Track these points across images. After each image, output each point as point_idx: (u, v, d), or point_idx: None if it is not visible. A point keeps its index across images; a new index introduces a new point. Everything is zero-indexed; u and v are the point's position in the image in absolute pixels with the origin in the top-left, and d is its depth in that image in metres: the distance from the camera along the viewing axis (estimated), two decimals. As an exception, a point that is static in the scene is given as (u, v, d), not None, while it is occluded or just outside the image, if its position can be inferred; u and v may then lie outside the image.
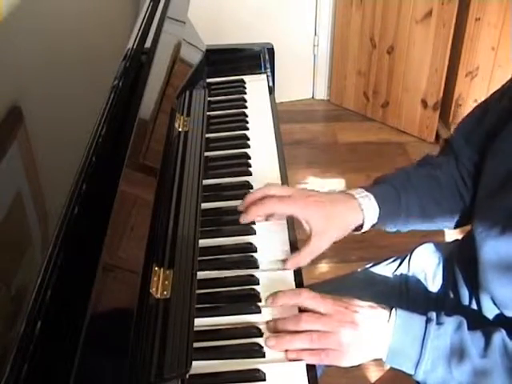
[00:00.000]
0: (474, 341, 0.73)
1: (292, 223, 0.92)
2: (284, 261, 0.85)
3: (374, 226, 0.88)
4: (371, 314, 0.74)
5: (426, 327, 0.73)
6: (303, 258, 0.84)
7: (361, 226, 0.87)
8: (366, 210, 0.85)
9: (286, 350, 0.73)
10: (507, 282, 0.77)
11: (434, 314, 0.74)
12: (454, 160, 0.92)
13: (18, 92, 0.79)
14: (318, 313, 0.74)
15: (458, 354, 0.72)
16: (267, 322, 0.76)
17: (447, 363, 0.72)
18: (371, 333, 0.73)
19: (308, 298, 0.75)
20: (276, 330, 0.75)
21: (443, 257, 1.01)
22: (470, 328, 0.74)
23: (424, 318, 0.74)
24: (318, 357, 0.73)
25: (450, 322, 0.74)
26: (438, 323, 0.73)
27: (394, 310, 0.74)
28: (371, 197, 0.85)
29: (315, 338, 0.72)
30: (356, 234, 0.89)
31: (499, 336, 0.72)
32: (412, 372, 0.73)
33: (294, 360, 0.72)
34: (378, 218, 0.86)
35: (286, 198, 0.84)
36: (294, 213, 0.84)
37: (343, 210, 0.84)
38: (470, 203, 0.90)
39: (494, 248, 0.78)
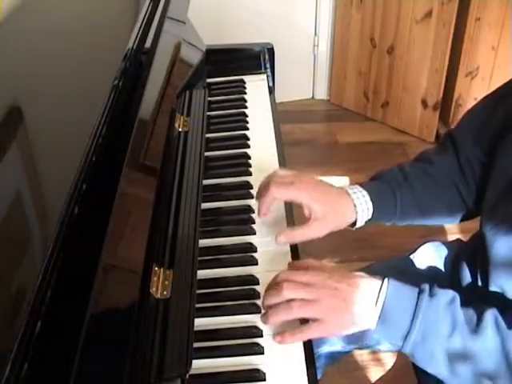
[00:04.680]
0: (466, 316, 0.72)
1: (292, 224, 0.92)
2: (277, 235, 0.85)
3: (368, 221, 0.88)
4: (360, 282, 0.74)
5: (418, 298, 0.72)
6: (296, 236, 0.84)
7: (354, 223, 0.87)
8: (360, 208, 0.85)
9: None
10: None
11: (427, 286, 0.74)
12: (454, 154, 0.91)
13: (17, 92, 0.79)
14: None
15: (448, 327, 0.71)
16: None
17: (437, 336, 0.71)
18: (359, 301, 0.72)
19: (288, 275, 0.75)
20: (265, 307, 0.75)
21: (447, 255, 1.01)
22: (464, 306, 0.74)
23: (416, 290, 0.73)
24: (302, 333, 0.73)
25: (443, 295, 0.73)
26: (431, 295, 0.73)
27: (386, 279, 0.74)
28: (365, 194, 0.86)
29: (296, 306, 0.72)
30: (350, 230, 0.89)
31: (492, 313, 0.72)
32: (400, 343, 0.72)
33: (281, 342, 0.73)
34: (372, 215, 0.87)
35: (290, 184, 0.84)
36: (298, 198, 0.84)
37: (342, 202, 0.85)
38: (472, 200, 0.90)
39: (504, 244, 0.78)
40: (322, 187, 0.86)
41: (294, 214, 0.95)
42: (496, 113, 0.86)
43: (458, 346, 0.71)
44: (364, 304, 0.73)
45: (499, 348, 0.70)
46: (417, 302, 0.72)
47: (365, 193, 0.86)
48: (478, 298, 0.84)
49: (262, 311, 0.76)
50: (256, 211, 0.92)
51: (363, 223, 0.88)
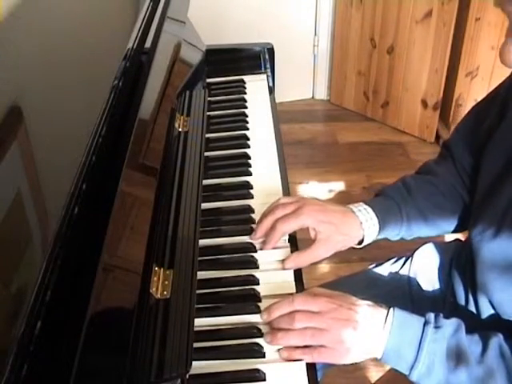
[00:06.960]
0: (471, 345, 0.72)
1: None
2: (284, 261, 0.85)
3: (375, 240, 0.89)
4: (368, 312, 0.74)
5: (423, 330, 0.72)
6: (303, 260, 0.85)
7: (361, 241, 0.88)
8: (366, 225, 0.86)
9: (280, 349, 0.73)
10: (504, 283, 0.77)
11: (432, 316, 0.74)
12: (452, 163, 0.93)
13: (18, 92, 0.79)
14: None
15: (454, 358, 0.71)
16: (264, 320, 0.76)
17: (443, 368, 0.71)
18: (367, 331, 0.73)
19: (301, 303, 0.75)
20: (271, 328, 0.75)
21: (444, 257, 1.01)
22: (467, 331, 0.74)
23: (422, 320, 0.73)
24: (310, 355, 0.73)
25: (448, 326, 0.73)
26: (436, 326, 0.73)
27: (392, 309, 0.74)
28: (370, 210, 0.87)
29: (308, 335, 0.73)
30: (357, 248, 0.90)
31: (496, 341, 0.72)
32: (407, 373, 0.73)
33: (288, 360, 0.72)
34: (379, 232, 0.88)
35: (292, 214, 0.84)
36: (304, 224, 0.85)
37: (348, 222, 0.86)
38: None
39: (489, 250, 0.78)
40: (325, 208, 0.86)
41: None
42: (485, 119, 0.87)
43: (463, 377, 0.71)
44: (371, 335, 0.73)
45: (504, 377, 0.70)
46: (422, 334, 0.72)
47: (369, 209, 0.87)
48: (470, 316, 0.84)
49: (265, 328, 0.75)
50: (256, 211, 0.93)
51: (371, 241, 0.88)
